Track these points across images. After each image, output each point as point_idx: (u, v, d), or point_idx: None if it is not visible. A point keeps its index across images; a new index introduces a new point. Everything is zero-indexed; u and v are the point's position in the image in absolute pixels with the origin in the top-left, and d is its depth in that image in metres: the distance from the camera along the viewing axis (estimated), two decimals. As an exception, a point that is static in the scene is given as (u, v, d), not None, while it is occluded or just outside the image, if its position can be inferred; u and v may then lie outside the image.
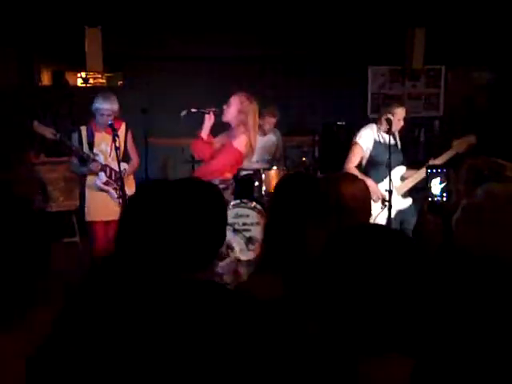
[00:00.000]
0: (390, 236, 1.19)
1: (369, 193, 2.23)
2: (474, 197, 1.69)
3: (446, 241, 1.86)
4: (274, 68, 6.47)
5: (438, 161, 4.29)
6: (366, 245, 1.16)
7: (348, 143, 4.91)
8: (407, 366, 1.10)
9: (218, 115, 4.00)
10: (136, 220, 1.37)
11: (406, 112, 4.45)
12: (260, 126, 4.98)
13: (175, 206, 1.35)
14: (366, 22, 6.34)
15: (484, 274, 1.59)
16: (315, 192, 1.94)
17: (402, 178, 4.42)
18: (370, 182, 4.23)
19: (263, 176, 5.26)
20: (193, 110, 4.05)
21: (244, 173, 5.56)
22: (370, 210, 2.21)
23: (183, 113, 4.03)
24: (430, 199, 2.37)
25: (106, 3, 5.85)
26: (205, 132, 4.00)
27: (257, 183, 5.33)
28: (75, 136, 4.17)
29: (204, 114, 4.02)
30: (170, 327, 1.20)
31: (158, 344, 1.18)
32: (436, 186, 2.41)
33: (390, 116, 4.23)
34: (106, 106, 4.06)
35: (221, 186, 3.99)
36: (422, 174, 4.35)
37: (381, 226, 1.53)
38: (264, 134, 5.56)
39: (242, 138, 3.95)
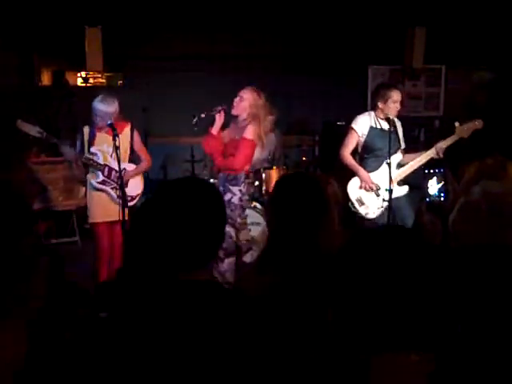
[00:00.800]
0: (406, 237, 1.20)
1: (337, 198, 2.26)
2: (470, 195, 1.69)
3: (446, 240, 1.86)
4: (274, 67, 6.47)
5: (442, 144, 4.27)
6: (383, 245, 1.16)
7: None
8: (418, 362, 1.11)
9: (227, 112, 4.04)
10: (141, 222, 1.38)
11: (403, 97, 4.35)
12: None
13: (175, 205, 1.36)
14: (366, 21, 6.34)
15: (484, 272, 1.59)
16: (315, 192, 1.94)
17: (399, 166, 4.34)
18: (361, 172, 4.27)
19: (263, 175, 5.26)
20: (202, 116, 4.07)
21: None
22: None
23: (194, 121, 4.05)
24: (427, 199, 2.37)
25: (106, 3, 5.86)
26: (215, 129, 4.04)
27: (257, 183, 5.33)
28: (79, 136, 4.17)
29: (214, 115, 4.05)
30: (175, 328, 1.21)
31: (163, 343, 1.19)
32: (433, 187, 2.40)
33: (389, 115, 4.20)
34: (100, 108, 4.01)
35: (247, 181, 4.06)
36: (418, 162, 4.32)
37: (398, 226, 1.53)
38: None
39: (251, 128, 3.97)
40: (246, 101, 3.98)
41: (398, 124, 4.36)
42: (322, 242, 1.83)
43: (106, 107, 4.02)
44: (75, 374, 1.20)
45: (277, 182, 2.04)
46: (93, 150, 4.11)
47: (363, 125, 4.31)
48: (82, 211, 6.00)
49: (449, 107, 6.91)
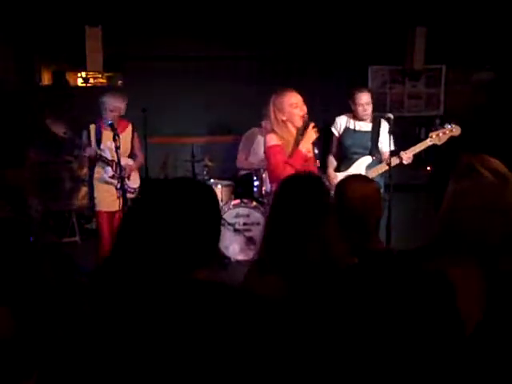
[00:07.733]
0: None
1: (378, 194, 2.22)
2: (459, 183, 1.66)
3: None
4: (273, 68, 6.46)
5: (410, 152, 4.18)
6: None
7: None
8: None
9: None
10: (135, 220, 1.37)
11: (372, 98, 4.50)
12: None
13: (169, 205, 1.35)
14: (366, 21, 6.33)
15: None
16: (318, 192, 1.93)
17: (369, 167, 4.31)
18: (329, 170, 4.45)
19: (264, 175, 5.25)
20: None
21: (244, 172, 5.55)
22: (380, 211, 2.20)
23: None
24: None
25: (106, 3, 5.86)
26: None
27: (257, 183, 5.33)
28: (85, 133, 4.50)
29: None
30: (171, 326, 1.20)
31: (158, 343, 1.18)
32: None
33: (390, 115, 4.18)
34: (112, 102, 4.38)
35: None
36: (384, 166, 4.20)
37: None
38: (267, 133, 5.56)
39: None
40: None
41: (383, 125, 4.37)
42: (322, 243, 1.82)
43: (117, 101, 4.41)
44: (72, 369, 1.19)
45: (282, 182, 2.02)
46: (102, 147, 4.44)
47: (339, 125, 4.52)
48: (82, 211, 6.02)
49: (449, 107, 6.90)
